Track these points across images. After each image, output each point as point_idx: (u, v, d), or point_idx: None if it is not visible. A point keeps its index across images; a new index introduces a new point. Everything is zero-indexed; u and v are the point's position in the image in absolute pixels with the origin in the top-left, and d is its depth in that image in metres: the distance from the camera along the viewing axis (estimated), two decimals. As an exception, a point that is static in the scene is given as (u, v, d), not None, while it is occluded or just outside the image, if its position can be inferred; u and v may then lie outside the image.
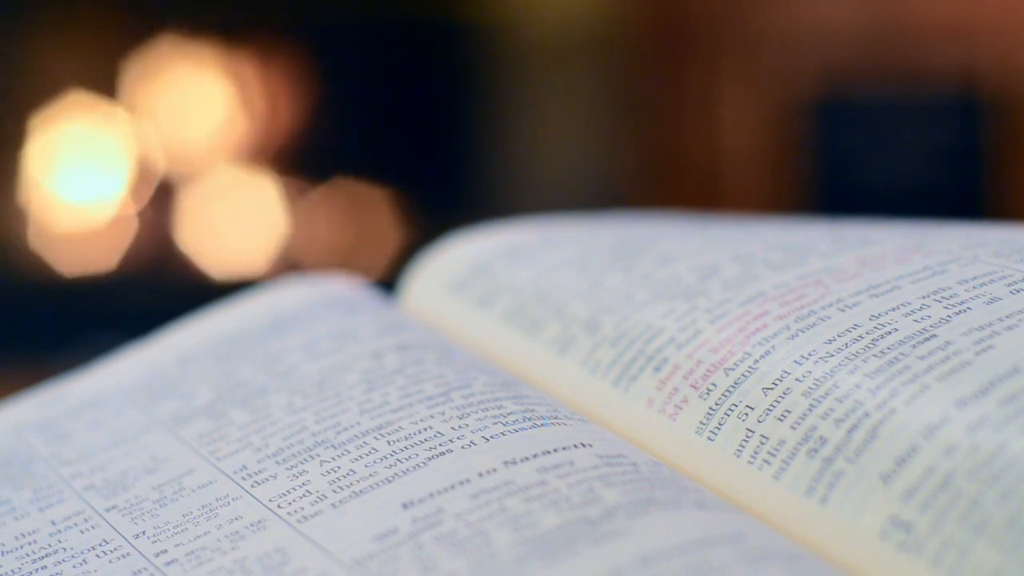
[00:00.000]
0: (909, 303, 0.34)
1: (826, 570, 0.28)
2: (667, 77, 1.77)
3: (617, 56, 1.77)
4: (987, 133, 1.68)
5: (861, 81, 1.71)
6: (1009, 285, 0.34)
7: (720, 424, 0.33)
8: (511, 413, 0.34)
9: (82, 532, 0.34)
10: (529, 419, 0.34)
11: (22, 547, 0.34)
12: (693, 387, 0.34)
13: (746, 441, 0.32)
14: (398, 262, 1.64)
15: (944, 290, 0.34)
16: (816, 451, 0.31)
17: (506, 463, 0.32)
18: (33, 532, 0.35)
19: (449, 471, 0.32)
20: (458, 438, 0.33)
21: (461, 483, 0.31)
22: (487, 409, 0.35)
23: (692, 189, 1.75)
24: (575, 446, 0.33)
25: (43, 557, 0.34)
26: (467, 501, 0.31)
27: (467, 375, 0.37)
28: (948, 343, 0.32)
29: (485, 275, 0.43)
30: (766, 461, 0.32)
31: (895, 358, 0.32)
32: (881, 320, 0.34)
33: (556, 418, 0.34)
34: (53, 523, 0.35)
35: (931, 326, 0.33)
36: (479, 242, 0.46)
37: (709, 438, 0.33)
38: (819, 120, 1.71)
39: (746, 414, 0.33)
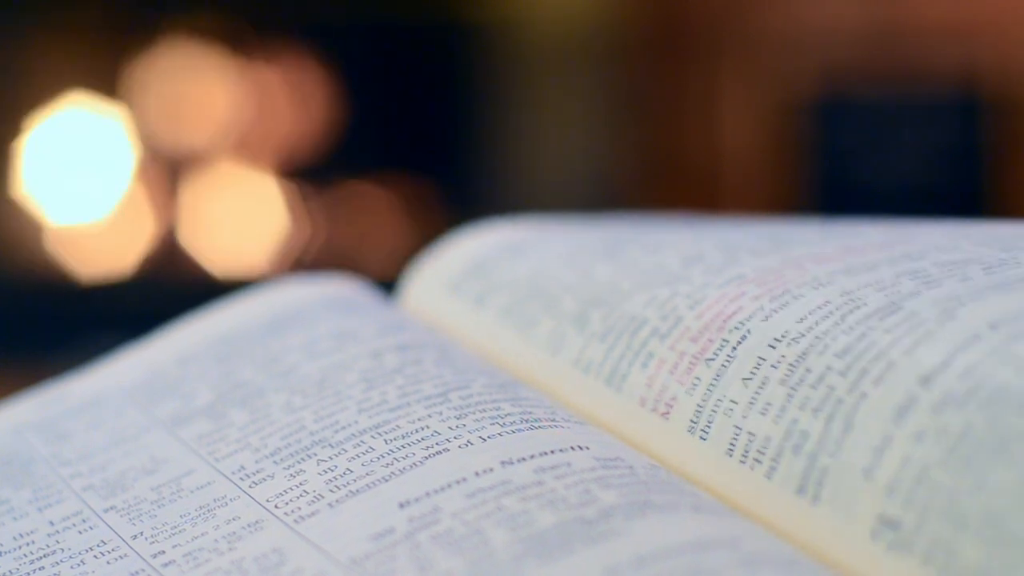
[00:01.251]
0: (882, 280, 0.34)
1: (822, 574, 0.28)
2: (667, 77, 1.77)
3: (617, 56, 1.77)
4: (987, 133, 1.68)
5: (861, 81, 1.71)
6: (984, 267, 0.33)
7: (709, 422, 0.33)
8: (509, 414, 0.34)
9: (80, 533, 0.34)
10: (527, 421, 0.34)
11: (20, 547, 0.34)
12: (679, 383, 0.34)
13: (736, 439, 0.32)
14: (398, 262, 1.64)
15: (919, 270, 0.34)
16: (800, 446, 0.31)
17: (503, 463, 0.32)
18: (31, 532, 0.35)
19: (446, 470, 0.32)
20: (455, 438, 0.33)
21: (458, 482, 0.31)
22: (485, 410, 0.35)
23: (692, 189, 1.75)
24: (572, 448, 0.33)
25: (41, 558, 0.34)
26: (464, 500, 0.31)
27: (466, 376, 0.37)
28: (914, 313, 0.31)
29: (481, 274, 0.43)
30: (757, 460, 0.32)
31: (863, 333, 0.32)
32: (852, 295, 0.33)
33: (554, 420, 0.34)
34: (51, 523, 0.35)
35: (899, 299, 0.32)
36: (477, 240, 0.46)
37: (702, 437, 0.33)
38: (819, 120, 1.71)
39: (731, 409, 0.33)
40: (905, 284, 0.33)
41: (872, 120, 1.70)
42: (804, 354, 0.32)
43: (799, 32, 1.71)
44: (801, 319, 0.33)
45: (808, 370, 0.32)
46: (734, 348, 0.34)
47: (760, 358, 0.33)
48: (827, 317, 0.33)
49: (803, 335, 0.33)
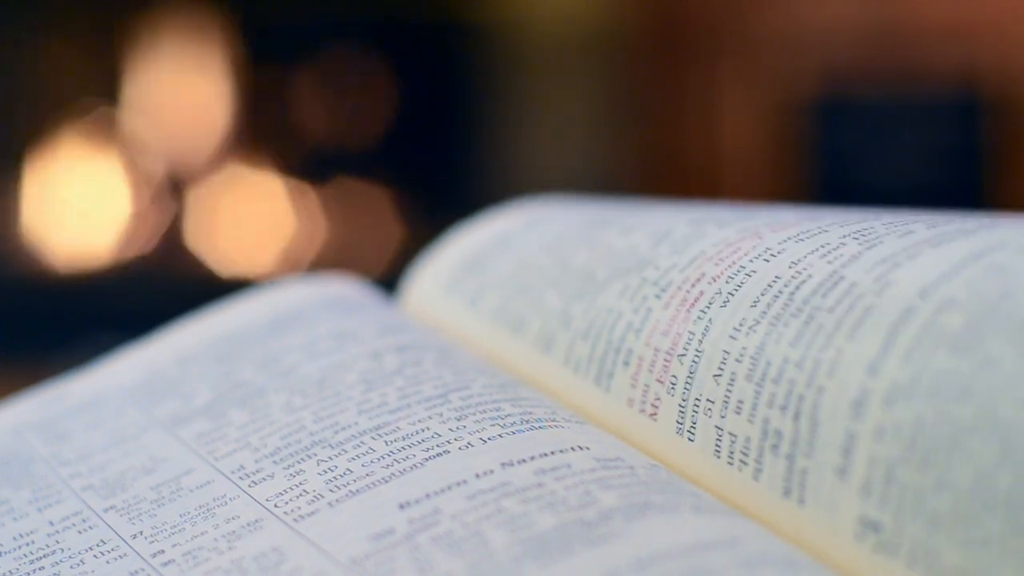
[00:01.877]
0: (829, 243, 0.33)
1: (822, 575, 0.28)
2: (667, 77, 1.77)
3: (617, 56, 1.77)
4: (987, 133, 1.68)
5: (861, 81, 1.71)
6: (928, 223, 0.33)
7: (693, 423, 0.33)
8: (509, 415, 0.34)
9: (80, 532, 0.34)
10: (527, 421, 0.34)
11: (20, 547, 0.34)
12: (659, 381, 0.34)
13: (719, 440, 0.32)
14: (398, 262, 1.64)
15: (866, 229, 0.34)
16: (777, 447, 0.31)
17: (503, 465, 0.32)
18: (31, 532, 0.35)
19: (446, 472, 0.32)
20: (455, 439, 0.33)
21: (458, 484, 0.31)
22: (485, 411, 0.35)
23: (692, 189, 1.75)
24: (572, 449, 0.33)
25: (41, 558, 0.34)
26: (464, 502, 0.31)
27: (466, 376, 0.37)
28: (853, 285, 0.31)
29: (475, 271, 0.43)
30: (742, 461, 0.32)
31: (810, 315, 0.31)
32: (799, 267, 0.33)
33: (554, 420, 0.34)
34: (51, 523, 0.35)
35: (841, 266, 0.32)
36: (472, 235, 0.46)
37: (689, 438, 0.33)
38: (819, 120, 1.71)
39: (709, 409, 0.33)
40: (849, 246, 0.33)
41: (872, 120, 1.70)
42: (762, 344, 0.32)
43: (799, 32, 1.71)
44: (755, 302, 0.33)
45: (768, 362, 0.32)
46: (700, 342, 0.34)
47: (725, 351, 0.33)
48: (777, 297, 0.33)
49: (758, 321, 0.33)
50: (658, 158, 1.79)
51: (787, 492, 0.30)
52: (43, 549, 0.34)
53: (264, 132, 1.75)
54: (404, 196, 1.75)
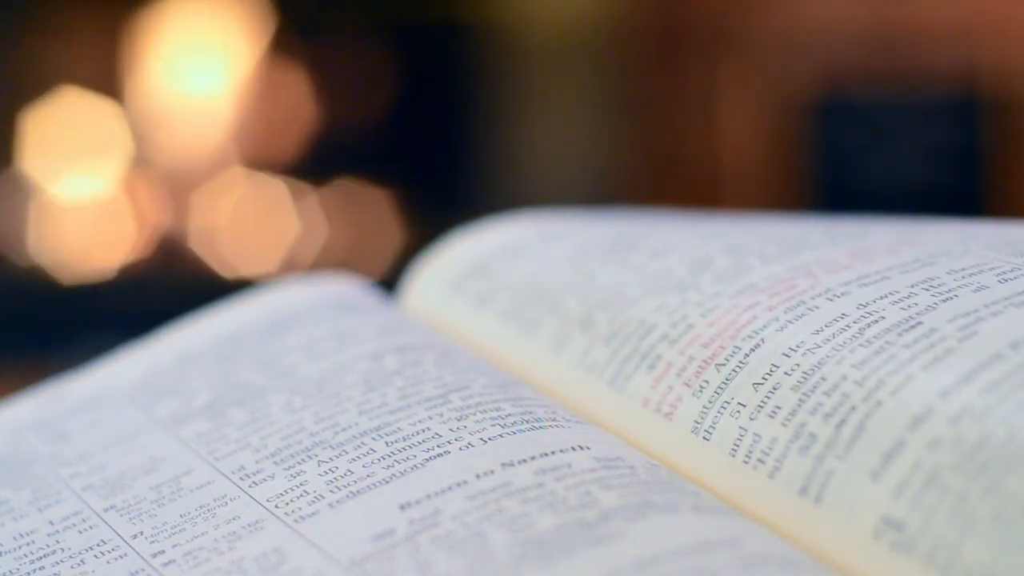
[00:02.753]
0: (897, 291, 0.34)
1: (823, 575, 0.29)
2: (667, 77, 1.77)
3: (618, 56, 1.77)
4: (987, 133, 1.68)
5: (861, 81, 1.71)
6: (998, 275, 0.34)
7: (714, 423, 0.33)
8: (509, 415, 0.34)
9: (80, 532, 0.34)
10: (527, 421, 0.34)
11: (20, 547, 0.34)
12: (686, 384, 0.34)
13: (740, 440, 0.32)
14: (398, 262, 1.64)
15: (933, 279, 0.34)
16: (807, 448, 0.31)
17: (504, 465, 0.32)
18: (31, 532, 0.35)
19: (447, 472, 0.32)
20: (456, 439, 0.33)
21: (458, 484, 0.31)
22: (485, 411, 0.35)
23: (692, 190, 1.75)
24: (573, 449, 0.33)
25: (41, 558, 0.34)
26: (464, 502, 0.31)
27: (466, 377, 0.37)
28: (933, 330, 0.32)
29: (483, 274, 0.43)
30: (760, 461, 0.32)
31: (881, 347, 0.32)
32: (868, 308, 0.34)
33: (554, 420, 0.34)
34: (51, 523, 0.35)
35: (917, 314, 0.33)
36: (478, 240, 0.46)
37: (704, 438, 0.33)
38: (819, 120, 1.71)
39: (738, 411, 0.33)
40: (921, 297, 0.33)
41: (872, 120, 1.70)
42: (820, 363, 0.32)
43: (799, 32, 1.71)
44: (818, 331, 0.33)
45: (823, 378, 0.32)
46: (747, 355, 0.34)
47: (773, 365, 0.33)
48: (845, 330, 0.33)
49: (820, 346, 0.33)
50: (658, 158, 1.79)
51: (804, 491, 0.30)
52: (43, 549, 0.34)
53: (264, 133, 1.75)
54: (404, 196, 1.75)
